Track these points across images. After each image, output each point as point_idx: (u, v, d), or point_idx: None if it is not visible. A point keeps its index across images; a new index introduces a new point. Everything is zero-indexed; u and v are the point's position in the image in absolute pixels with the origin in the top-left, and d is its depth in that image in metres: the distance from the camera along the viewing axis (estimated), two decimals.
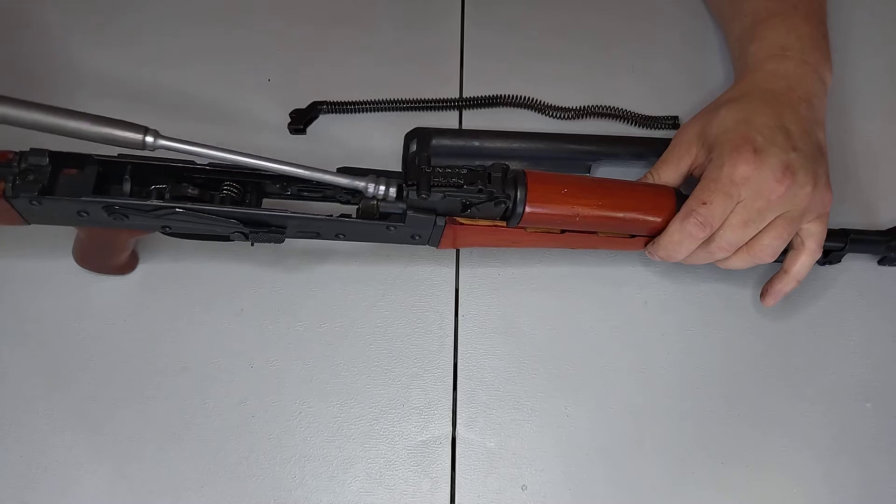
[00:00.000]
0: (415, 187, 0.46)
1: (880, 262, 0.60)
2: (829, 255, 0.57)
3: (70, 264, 0.55)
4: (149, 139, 0.43)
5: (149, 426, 0.52)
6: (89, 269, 0.55)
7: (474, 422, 0.53)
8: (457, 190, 0.47)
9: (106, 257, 0.54)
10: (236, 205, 0.47)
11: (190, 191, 0.46)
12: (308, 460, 0.52)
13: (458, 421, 0.53)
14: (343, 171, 0.47)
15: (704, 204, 0.48)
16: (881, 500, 0.53)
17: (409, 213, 0.48)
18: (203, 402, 0.53)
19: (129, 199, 0.45)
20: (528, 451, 0.53)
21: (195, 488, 0.51)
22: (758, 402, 0.55)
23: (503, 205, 0.48)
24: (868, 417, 0.55)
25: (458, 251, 0.58)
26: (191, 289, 0.56)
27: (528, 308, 0.57)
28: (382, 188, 0.47)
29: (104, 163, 0.45)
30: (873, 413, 0.55)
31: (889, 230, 0.58)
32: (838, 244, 0.56)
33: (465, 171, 0.47)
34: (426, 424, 0.53)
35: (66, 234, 0.51)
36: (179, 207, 0.45)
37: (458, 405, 0.54)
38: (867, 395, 0.55)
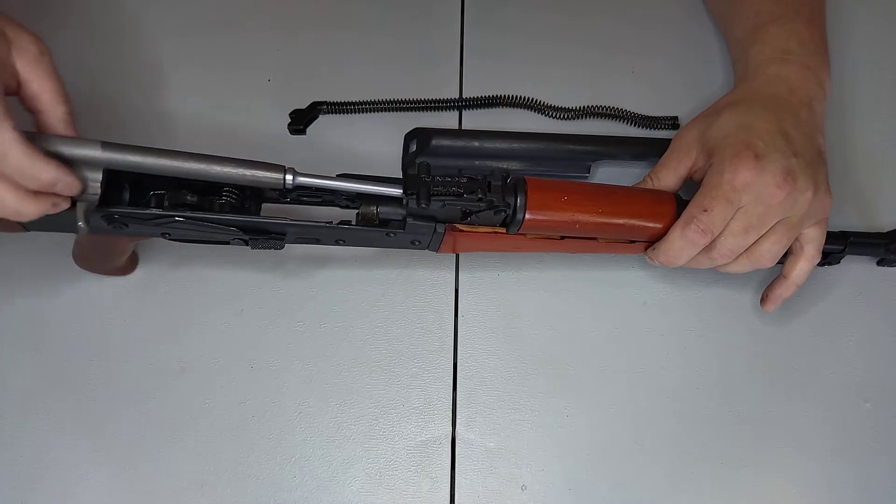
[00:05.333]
0: (414, 196, 0.46)
1: (879, 264, 0.60)
2: (829, 257, 0.57)
3: (70, 265, 0.55)
4: (288, 177, 0.45)
5: (149, 426, 0.52)
6: (89, 271, 0.55)
7: (474, 422, 0.53)
8: (456, 199, 0.47)
9: (106, 259, 0.54)
10: (236, 212, 0.47)
11: (189, 198, 0.46)
12: (308, 460, 0.52)
13: (457, 421, 0.53)
14: (343, 177, 0.47)
15: (706, 210, 0.48)
16: (880, 500, 0.53)
17: (409, 220, 0.48)
18: (203, 402, 0.53)
19: (129, 208, 0.45)
20: (528, 451, 0.53)
21: (195, 488, 0.51)
22: (757, 403, 0.55)
23: (503, 213, 0.48)
24: (867, 417, 0.55)
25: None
26: (191, 289, 0.56)
27: (528, 308, 0.57)
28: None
29: (102, 171, 0.45)
30: (873, 413, 0.55)
31: (889, 232, 0.58)
32: (838, 246, 0.56)
33: (464, 180, 0.47)
34: (426, 424, 0.53)
35: (67, 235, 0.51)
36: (179, 216, 0.45)
37: (457, 405, 0.54)
38: (866, 396, 0.55)
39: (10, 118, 0.38)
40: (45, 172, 0.39)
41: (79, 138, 0.41)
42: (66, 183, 0.40)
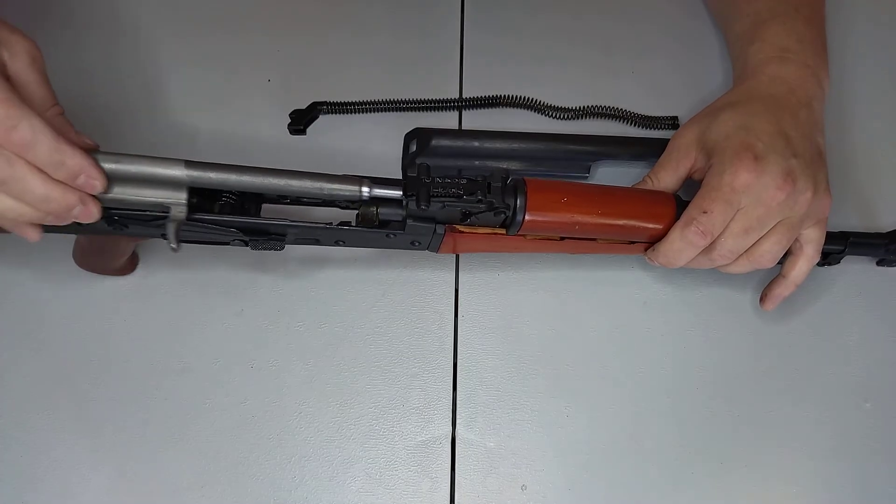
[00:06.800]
0: (414, 198, 0.46)
1: (879, 264, 0.60)
2: (829, 257, 0.57)
3: (70, 265, 0.55)
4: (364, 189, 0.46)
5: (149, 426, 0.52)
6: (89, 271, 0.55)
7: (474, 422, 0.53)
8: (456, 200, 0.47)
9: (106, 260, 0.54)
10: (235, 213, 0.47)
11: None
12: (308, 460, 0.52)
13: (457, 421, 0.53)
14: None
15: (705, 212, 0.48)
16: (880, 500, 0.53)
17: (409, 221, 0.48)
18: (203, 402, 0.53)
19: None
20: (528, 451, 0.53)
21: (195, 488, 0.51)
22: (757, 403, 0.55)
23: (503, 214, 0.48)
24: (867, 418, 0.55)
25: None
26: (191, 289, 0.56)
27: (528, 308, 0.57)
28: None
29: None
30: (872, 413, 0.55)
31: (889, 232, 0.58)
32: (838, 246, 0.56)
33: (464, 181, 0.47)
34: (426, 424, 0.53)
35: (67, 236, 0.51)
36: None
37: (457, 405, 0.54)
38: (866, 396, 0.55)
39: (32, 108, 0.39)
40: (72, 158, 0.40)
41: (162, 158, 0.43)
42: (90, 174, 0.41)
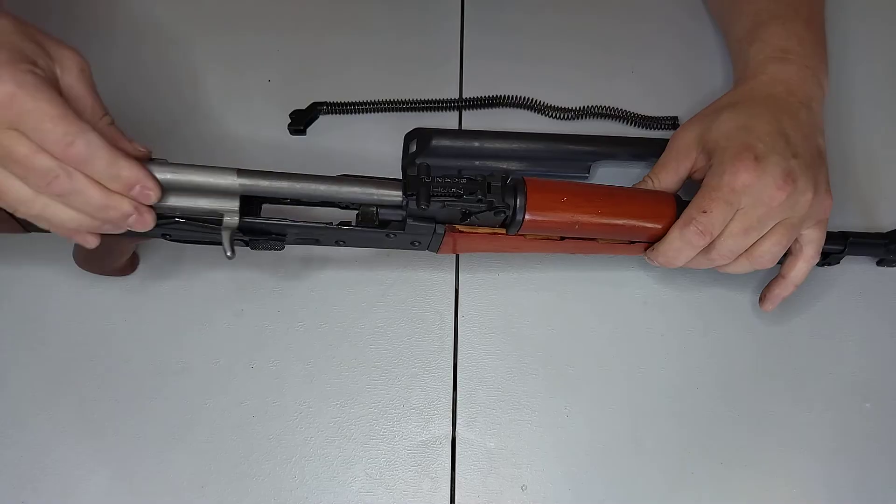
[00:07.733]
0: (414, 198, 0.46)
1: (879, 264, 0.60)
2: (829, 257, 0.57)
3: (71, 266, 0.55)
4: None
5: (149, 426, 0.52)
6: (90, 271, 0.55)
7: (474, 422, 0.53)
8: (456, 200, 0.47)
9: (106, 260, 0.54)
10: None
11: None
12: (308, 460, 0.52)
13: (457, 421, 0.53)
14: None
15: (704, 212, 0.48)
16: (880, 500, 0.53)
17: (409, 221, 0.48)
18: (203, 402, 0.53)
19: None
20: (528, 451, 0.53)
21: (195, 488, 0.51)
22: (757, 403, 0.55)
23: (503, 214, 0.48)
24: (867, 418, 0.55)
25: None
26: (191, 289, 0.56)
27: (528, 308, 0.57)
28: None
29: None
30: (872, 413, 0.55)
31: (889, 232, 0.58)
32: (838, 247, 0.56)
33: (464, 181, 0.47)
34: (426, 424, 0.53)
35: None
36: (179, 217, 0.46)
37: (457, 405, 0.54)
38: (866, 396, 0.55)
39: (86, 122, 0.40)
40: (127, 170, 0.41)
41: (215, 168, 0.44)
42: (145, 185, 0.42)
